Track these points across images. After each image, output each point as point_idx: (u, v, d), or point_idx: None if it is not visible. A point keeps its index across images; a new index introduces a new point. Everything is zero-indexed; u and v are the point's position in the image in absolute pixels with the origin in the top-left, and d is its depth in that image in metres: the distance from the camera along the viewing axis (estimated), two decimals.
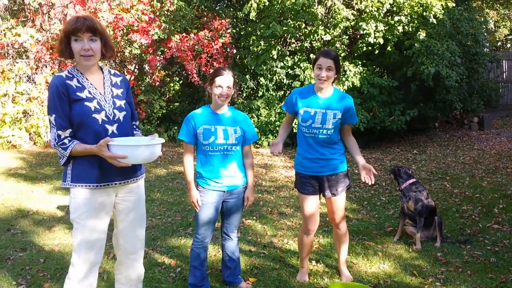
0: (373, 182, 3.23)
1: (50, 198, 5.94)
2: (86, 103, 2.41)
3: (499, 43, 19.34)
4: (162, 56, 10.48)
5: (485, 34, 12.52)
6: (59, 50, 2.45)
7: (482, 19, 12.38)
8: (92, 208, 2.46)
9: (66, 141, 2.38)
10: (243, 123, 3.24)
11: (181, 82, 11.92)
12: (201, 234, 3.24)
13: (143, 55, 10.53)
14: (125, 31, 10.22)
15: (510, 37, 20.15)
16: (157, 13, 10.55)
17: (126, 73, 10.74)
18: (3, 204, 5.64)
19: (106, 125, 2.46)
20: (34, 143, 10.17)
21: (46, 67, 10.37)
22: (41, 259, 3.98)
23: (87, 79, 2.48)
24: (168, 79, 11.61)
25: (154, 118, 10.81)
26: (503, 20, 19.65)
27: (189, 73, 10.10)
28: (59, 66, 10.19)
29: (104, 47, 2.49)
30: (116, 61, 11.15)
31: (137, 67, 11.66)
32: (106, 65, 10.87)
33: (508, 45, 20.02)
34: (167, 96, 12.00)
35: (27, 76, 10.32)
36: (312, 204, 3.39)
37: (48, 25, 9.98)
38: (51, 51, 9.94)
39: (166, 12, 10.56)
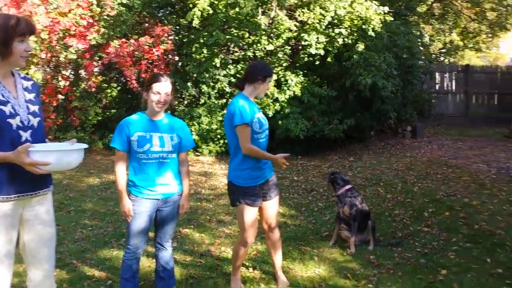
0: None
1: None
2: (0, 107, 2.25)
3: (433, 56, 20.47)
4: (99, 61, 10.15)
5: (421, 47, 13.19)
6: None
7: (418, 33, 13.02)
8: (2, 222, 2.28)
9: None
10: (180, 130, 3.17)
11: (119, 88, 11.59)
12: (133, 244, 3.12)
13: (79, 60, 10.13)
14: (61, 35, 9.80)
15: (443, 50, 21.39)
16: (97, 18, 10.21)
17: (60, 79, 10.27)
18: None
19: (20, 131, 2.30)
20: None
21: None
22: None
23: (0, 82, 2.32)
24: (105, 85, 11.25)
25: (88, 126, 10.43)
26: (438, 35, 20.84)
27: (128, 79, 9.83)
28: None
29: None
30: (51, 66, 10.66)
31: (72, 72, 11.20)
32: (39, 69, 10.37)
33: (442, 58, 21.23)
34: (104, 102, 11.62)
35: None
36: (256, 214, 3.39)
37: None
38: None
39: (106, 17, 10.25)
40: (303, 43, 9.57)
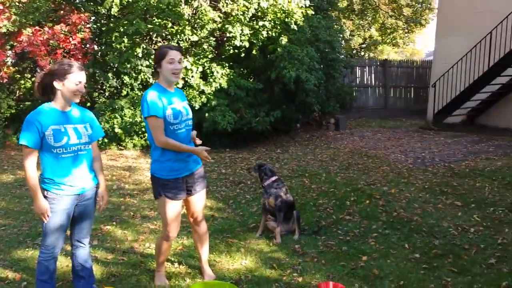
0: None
1: None
2: None
3: (354, 51, 21.32)
4: (11, 50, 9.41)
5: (342, 42, 13.64)
6: None
7: (339, 28, 13.47)
8: None
9: None
10: (90, 119, 3.05)
11: (33, 79, 10.83)
12: (51, 244, 2.94)
13: None
14: None
15: (363, 45, 22.34)
16: (7, 4, 9.44)
17: None
18: None
19: None
20: None
21: None
22: None
23: None
24: (19, 76, 10.47)
25: (1, 119, 9.66)
26: (358, 30, 21.73)
27: (43, 69, 9.22)
28: None
29: None
30: None
31: None
32: None
33: (362, 53, 22.17)
34: (17, 94, 10.82)
35: None
36: (178, 208, 3.28)
37: None
38: None
39: (17, 4, 9.51)
40: (227, 34, 9.53)
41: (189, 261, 3.89)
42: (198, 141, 3.28)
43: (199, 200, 3.38)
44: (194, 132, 3.38)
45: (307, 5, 9.75)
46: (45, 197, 2.85)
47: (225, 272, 3.69)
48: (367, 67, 15.70)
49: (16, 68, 10.29)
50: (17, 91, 10.81)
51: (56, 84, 2.83)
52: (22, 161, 2.79)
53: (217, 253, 4.06)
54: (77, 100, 2.92)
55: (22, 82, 10.60)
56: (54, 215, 2.87)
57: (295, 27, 9.48)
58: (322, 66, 11.11)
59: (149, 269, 3.72)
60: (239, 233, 4.61)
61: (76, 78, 2.84)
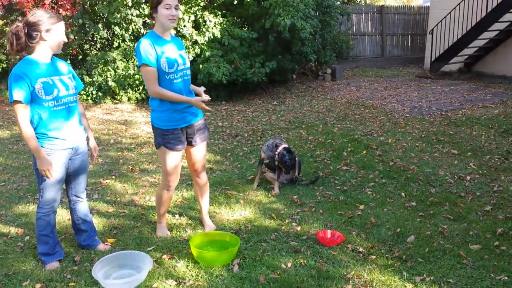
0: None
1: None
2: None
3: None
4: None
5: None
6: None
7: None
8: None
9: None
10: (70, 70, 3.01)
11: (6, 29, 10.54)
12: (50, 198, 2.96)
13: None
14: None
15: None
16: None
17: None
18: None
19: None
20: None
21: None
22: None
23: None
24: (7, 28, 10.16)
25: None
26: None
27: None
28: None
29: None
30: None
31: None
32: None
33: (357, 0, 21.55)
34: (8, 48, 10.55)
35: None
36: (178, 159, 3.28)
37: None
38: None
39: None
40: None
41: (190, 213, 3.94)
42: (206, 97, 3.16)
43: (199, 151, 3.37)
44: (202, 88, 3.32)
45: None
46: None
47: (225, 223, 3.75)
48: (363, 14, 15.32)
49: (4, 20, 9.98)
50: (7, 45, 10.54)
51: (44, 34, 2.74)
52: (16, 117, 2.74)
53: (217, 204, 4.12)
54: (59, 51, 2.88)
55: None
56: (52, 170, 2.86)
57: None
58: (317, 13, 10.81)
59: (150, 221, 3.78)
60: (238, 185, 4.65)
61: (59, 28, 2.79)
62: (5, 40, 10.16)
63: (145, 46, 2.99)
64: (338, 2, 12.67)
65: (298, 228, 3.62)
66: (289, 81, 11.16)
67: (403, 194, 4.29)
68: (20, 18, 10.26)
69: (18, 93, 2.69)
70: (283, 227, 3.65)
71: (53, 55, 2.90)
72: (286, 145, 4.59)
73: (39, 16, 2.75)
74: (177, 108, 3.13)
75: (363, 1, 21.40)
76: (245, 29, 9.84)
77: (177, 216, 3.87)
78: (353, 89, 10.33)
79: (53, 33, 2.77)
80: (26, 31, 2.73)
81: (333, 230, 3.55)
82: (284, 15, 9.00)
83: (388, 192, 4.35)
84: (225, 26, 9.40)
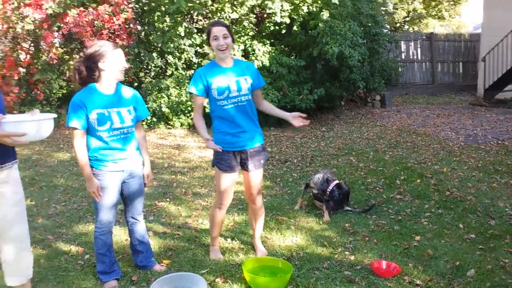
0: (307, 123, 3.24)
1: None
2: None
3: (398, 25, 20.61)
4: (59, 32, 9.69)
5: (385, 15, 13.21)
6: None
7: (382, 1, 13.04)
8: None
9: None
10: (134, 101, 3.09)
11: (71, 66, 11.15)
12: (104, 219, 3.07)
13: (37, 31, 9.64)
14: (16, 5, 9.26)
15: (407, 19, 21.56)
16: None
17: (20, 51, 9.79)
18: None
19: None
20: None
21: None
22: None
23: None
24: (67, 56, 10.79)
25: (54, 99, 10.03)
26: (401, 3, 20.93)
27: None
28: None
29: None
30: (8, 37, 10.11)
31: (32, 44, 10.67)
32: None
33: (406, 27, 21.41)
34: (67, 75, 11.17)
35: None
36: (230, 180, 3.35)
37: None
38: None
39: None
40: (267, 11, 9.43)
41: (241, 237, 3.97)
42: (297, 122, 3.19)
43: (254, 177, 3.40)
44: (294, 114, 3.25)
45: None
46: (93, 174, 2.95)
47: (276, 248, 3.75)
48: (412, 41, 15.18)
49: (64, 49, 10.60)
50: (67, 72, 11.16)
51: (101, 65, 2.86)
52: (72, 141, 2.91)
53: (268, 230, 4.12)
54: (122, 78, 2.97)
55: (71, 63, 10.93)
56: (104, 191, 2.98)
57: (336, 1, 9.26)
58: (365, 41, 10.83)
59: (203, 244, 3.83)
60: (288, 211, 4.65)
61: (118, 55, 2.90)
62: (65, 67, 10.84)
63: (196, 75, 3.21)
64: (386, 30, 12.63)
65: (352, 257, 3.56)
66: (337, 108, 11.14)
67: (461, 225, 4.14)
68: (79, 47, 10.92)
69: (75, 120, 2.83)
70: (336, 256, 3.60)
71: (121, 82, 3.05)
72: (337, 181, 4.58)
73: (94, 48, 2.88)
74: (230, 131, 3.22)
75: (411, 28, 21.22)
76: (293, 57, 9.97)
77: (229, 240, 3.91)
78: (404, 116, 10.16)
79: (110, 61, 2.87)
80: (86, 64, 2.89)
81: (389, 261, 3.46)
82: (332, 43, 9.08)
83: (445, 223, 4.21)
84: (273, 54, 9.59)
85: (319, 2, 9.41)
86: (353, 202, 4.78)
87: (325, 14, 9.19)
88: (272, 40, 9.95)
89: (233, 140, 3.24)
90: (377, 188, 5.27)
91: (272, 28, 9.71)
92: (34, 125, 2.19)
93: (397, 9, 20.88)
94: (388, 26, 13.80)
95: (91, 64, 2.87)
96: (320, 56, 9.65)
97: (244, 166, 3.34)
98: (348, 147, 7.31)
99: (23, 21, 9.37)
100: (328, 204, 4.48)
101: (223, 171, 3.28)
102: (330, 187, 4.50)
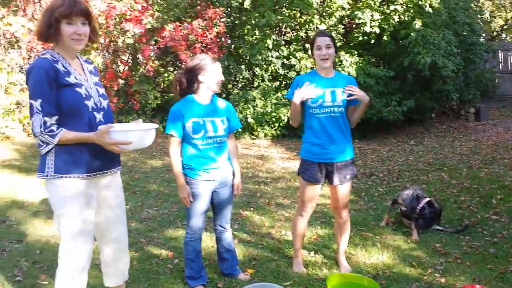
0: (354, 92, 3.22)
1: (44, 189, 5.84)
2: (76, 88, 2.31)
3: (495, 33, 19.30)
4: (155, 45, 10.34)
5: (481, 24, 12.46)
6: (44, 34, 2.30)
7: (478, 9, 12.32)
8: (77, 198, 2.36)
9: (53, 128, 2.23)
10: (228, 112, 3.21)
11: (175, 72, 11.79)
12: (194, 225, 3.20)
13: (136, 44, 10.38)
14: (117, 20, 10.06)
15: (505, 27, 20.11)
16: (150, 2, 10.39)
17: (120, 63, 10.60)
18: None
19: (95, 113, 2.37)
20: (28, 134, 10.03)
21: (38, 57, 10.22)
22: (37, 251, 3.92)
23: (69, 64, 2.37)
24: (162, 69, 11.47)
25: (148, 109, 10.70)
26: (499, 10, 19.58)
27: (183, 63, 9.98)
28: (45, 52, 10.04)
29: (91, 32, 2.38)
30: (109, 50, 11.00)
31: (130, 57, 11.51)
32: (99, 55, 10.74)
33: (504, 36, 19.98)
34: (162, 86, 11.88)
35: (20, 67, 10.15)
36: (313, 191, 3.36)
37: (39, 15, 9.81)
38: None
39: (159, 1, 10.41)
40: (356, 21, 9.33)
41: (325, 251, 3.93)
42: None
43: (340, 191, 3.36)
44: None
45: None
46: (186, 181, 3.10)
47: (361, 265, 3.66)
48: (511, 51, 14.11)
49: (160, 62, 11.28)
50: (161, 83, 11.87)
51: (201, 77, 3.03)
52: (168, 148, 3.10)
53: (352, 246, 4.04)
54: (219, 90, 3.11)
55: (166, 75, 11.61)
56: (195, 199, 3.11)
57: (430, 10, 8.91)
58: (460, 50, 10.27)
59: (286, 255, 3.85)
60: (374, 227, 4.53)
61: (215, 68, 3.04)
62: (160, 79, 11.52)
63: (293, 84, 3.28)
64: (483, 39, 11.88)
65: (442, 280, 3.38)
66: (427, 120, 10.67)
67: None
68: (174, 60, 11.55)
69: (172, 128, 3.04)
70: (425, 277, 3.44)
71: (216, 94, 3.19)
72: (428, 199, 4.38)
73: (195, 61, 3.07)
74: (317, 142, 3.23)
75: (509, 37, 19.73)
76: (381, 68, 9.74)
77: (312, 253, 3.89)
78: (501, 130, 9.46)
79: (208, 74, 3.03)
80: (186, 77, 3.07)
81: (482, 285, 3.24)
82: (424, 53, 8.75)
83: None
84: (361, 65, 9.43)
85: (411, 11, 9.12)
86: (444, 221, 4.54)
87: (418, 23, 8.89)
88: (360, 51, 9.81)
89: (320, 151, 3.24)
90: (471, 207, 4.95)
91: (360, 38, 9.58)
92: (140, 134, 2.35)
93: (494, 17, 19.55)
94: (484, 35, 12.96)
95: (192, 77, 3.05)
96: (411, 66, 9.33)
97: (329, 179, 3.32)
98: (439, 162, 6.96)
99: (124, 35, 10.14)
100: (417, 222, 4.30)
101: (306, 181, 3.31)
102: (421, 205, 4.32)
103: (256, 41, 9.92)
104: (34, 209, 5.05)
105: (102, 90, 2.49)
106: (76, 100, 2.29)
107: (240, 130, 9.73)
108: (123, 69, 10.62)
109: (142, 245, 4.11)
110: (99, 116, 2.38)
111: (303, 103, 3.25)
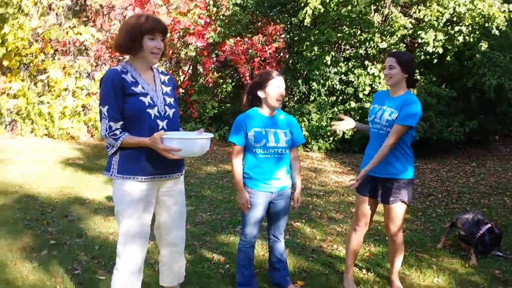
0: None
1: (105, 188, 6.14)
2: (141, 97, 2.46)
3: None
4: (216, 58, 10.64)
5: None
6: (127, 46, 2.48)
7: None
8: (139, 200, 2.50)
9: (117, 132, 2.42)
10: (292, 125, 3.25)
11: (233, 84, 12.06)
12: (249, 233, 3.24)
13: (197, 57, 10.73)
14: (181, 33, 10.47)
15: None
16: (213, 17, 10.74)
17: (181, 74, 11.01)
18: (61, 191, 5.89)
19: (158, 121, 2.50)
20: (92, 135, 10.60)
21: (105, 65, 10.82)
22: (96, 246, 4.11)
23: (140, 75, 2.53)
24: (221, 80, 11.78)
25: (206, 118, 10.99)
26: None
27: (242, 75, 10.20)
28: (117, 64, 10.59)
29: (164, 47, 2.55)
30: (172, 62, 11.45)
31: (191, 68, 11.91)
32: (162, 65, 11.19)
33: None
34: (219, 97, 12.18)
35: (87, 73, 10.80)
36: (367, 204, 3.31)
37: (108, 26, 10.41)
38: (110, 50, 10.37)
39: (221, 17, 10.73)
40: (419, 41, 9.16)
41: (377, 270, 3.85)
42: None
43: (386, 212, 3.29)
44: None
45: (511, 9, 8.74)
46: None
47: (415, 287, 3.55)
48: None
49: (219, 74, 11.59)
50: (219, 94, 12.18)
51: (260, 93, 3.11)
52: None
53: (407, 266, 3.92)
54: (279, 105, 3.13)
55: (224, 86, 11.92)
56: (252, 208, 3.15)
57: (497, 32, 8.61)
58: None
59: (337, 270, 3.80)
60: (430, 248, 4.38)
61: (275, 84, 3.07)
62: (218, 90, 11.83)
63: (374, 99, 3.41)
64: None
65: None
66: (491, 143, 10.22)
67: None
68: (232, 72, 11.82)
69: (235, 137, 3.13)
70: None
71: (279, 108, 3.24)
72: (489, 225, 4.18)
73: (261, 75, 3.17)
74: (369, 153, 3.23)
75: None
76: (443, 87, 9.47)
77: (364, 271, 3.81)
78: None
79: (270, 88, 3.08)
80: (252, 90, 3.17)
81: None
82: (490, 75, 8.45)
83: None
84: (422, 84, 9.22)
85: (477, 32, 8.86)
86: (505, 248, 4.31)
87: (484, 45, 8.62)
88: (421, 69, 9.60)
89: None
90: None
91: (422, 57, 9.39)
92: (190, 142, 2.43)
93: None
94: None
95: (256, 90, 3.14)
96: (475, 87, 9.01)
97: (382, 197, 3.25)
98: (502, 186, 6.63)
99: (187, 48, 10.53)
100: (476, 247, 4.12)
101: (360, 193, 3.30)
102: (481, 231, 4.13)
103: (314, 57, 9.96)
104: (95, 206, 5.31)
105: (170, 100, 2.61)
106: (138, 108, 2.44)
107: None
108: (184, 79, 10.99)
109: (195, 248, 4.21)
110: (162, 124, 2.51)
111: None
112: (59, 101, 10.23)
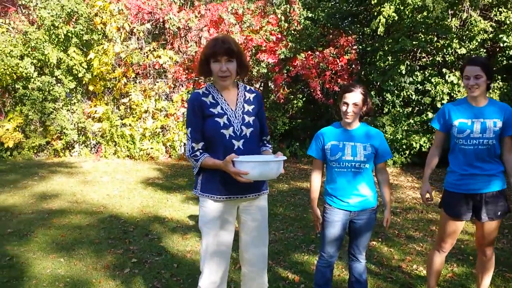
0: None
1: (183, 207, 6.39)
2: (216, 118, 2.56)
3: None
4: (287, 74, 10.71)
5: None
6: (199, 70, 2.64)
7: None
8: (216, 218, 2.61)
9: (197, 153, 2.58)
10: (375, 139, 3.06)
11: (304, 99, 12.05)
12: (327, 252, 3.15)
13: (269, 73, 10.88)
14: (253, 51, 10.69)
15: None
16: (284, 33, 10.85)
17: None
18: (142, 210, 6.21)
19: (233, 141, 2.57)
20: (170, 155, 11.08)
21: (182, 86, 11.30)
22: (174, 264, 4.28)
23: (221, 95, 2.63)
24: (292, 96, 11.81)
25: (277, 134, 11.05)
26: None
27: (313, 90, 10.15)
28: (193, 86, 11.04)
29: (239, 67, 2.61)
30: (244, 79, 11.68)
31: (262, 84, 12.08)
32: (235, 82, 11.47)
33: None
34: (290, 113, 12.20)
35: (166, 94, 11.34)
36: (457, 226, 3.16)
37: (184, 47, 10.88)
38: (187, 71, 10.82)
39: (293, 32, 10.80)
40: (501, 44, 8.63)
41: None
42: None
43: (486, 228, 3.10)
44: None
45: None
46: (324, 206, 3.11)
47: None
48: None
49: (290, 89, 11.65)
50: (290, 110, 12.22)
51: (343, 106, 3.04)
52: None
53: (493, 287, 3.68)
54: (348, 121, 2.99)
55: (295, 102, 11.94)
56: (329, 225, 3.07)
57: None
58: None
59: None
60: None
61: (344, 99, 2.98)
62: (289, 106, 11.83)
63: (440, 111, 3.23)
64: None
65: None
66: None
67: None
68: (303, 87, 11.82)
69: (312, 149, 3.15)
70: None
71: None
72: None
73: (340, 87, 3.20)
74: (463, 173, 3.05)
75: None
76: None
77: None
78: None
79: (340, 103, 3.04)
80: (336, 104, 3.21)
81: None
82: None
83: None
84: (505, 90, 8.66)
85: None
86: None
87: None
88: (504, 75, 9.02)
89: (465, 182, 3.06)
90: None
91: (504, 62, 8.84)
92: (262, 166, 2.43)
93: None
94: None
95: (338, 103, 3.14)
96: None
97: (477, 215, 3.08)
98: None
99: (259, 66, 10.73)
100: None
101: (450, 215, 3.12)
102: None
103: (388, 66, 9.72)
104: (173, 225, 5.54)
105: (249, 119, 2.65)
106: (213, 129, 2.56)
107: None
108: None
109: (270, 266, 4.22)
110: (237, 144, 2.58)
111: (449, 132, 3.13)
112: (140, 123, 10.83)
